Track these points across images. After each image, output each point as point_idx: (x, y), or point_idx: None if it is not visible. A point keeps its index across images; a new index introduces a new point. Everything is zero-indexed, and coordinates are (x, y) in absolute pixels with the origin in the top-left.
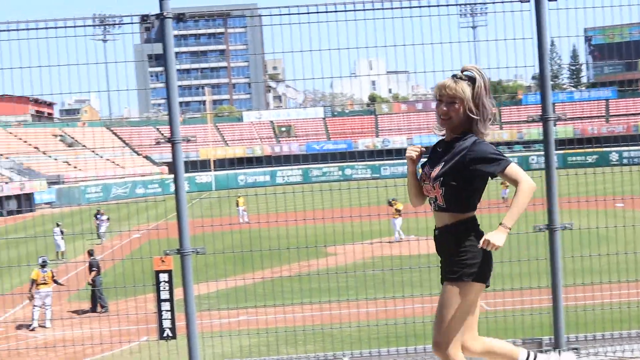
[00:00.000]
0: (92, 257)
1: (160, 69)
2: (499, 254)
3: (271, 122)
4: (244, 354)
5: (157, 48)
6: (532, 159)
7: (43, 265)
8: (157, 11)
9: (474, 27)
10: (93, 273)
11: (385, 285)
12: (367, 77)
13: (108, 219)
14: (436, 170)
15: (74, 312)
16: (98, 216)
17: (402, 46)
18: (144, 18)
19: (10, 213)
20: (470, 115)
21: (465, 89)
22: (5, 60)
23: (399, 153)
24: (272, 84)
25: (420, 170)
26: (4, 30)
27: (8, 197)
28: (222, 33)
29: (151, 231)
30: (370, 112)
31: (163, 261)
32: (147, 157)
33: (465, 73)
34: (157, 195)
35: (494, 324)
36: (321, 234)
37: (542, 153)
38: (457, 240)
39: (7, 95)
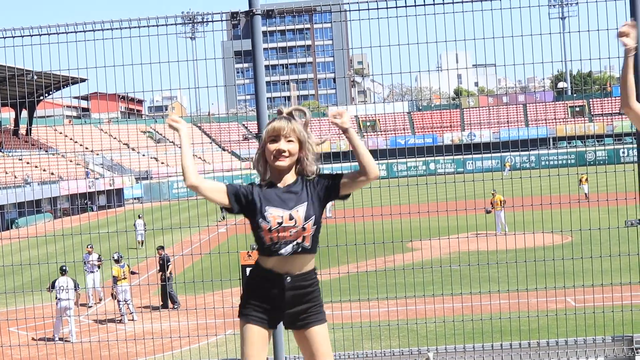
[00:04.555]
0: (163, 253)
1: (246, 65)
2: (587, 249)
3: (356, 116)
4: None
5: (244, 45)
6: (623, 152)
7: (118, 260)
8: (245, 8)
9: (562, 18)
10: (169, 269)
11: (468, 281)
12: (453, 71)
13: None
14: (301, 210)
15: (144, 307)
16: (86, 255)
17: (489, 39)
18: (234, 15)
19: (101, 208)
20: (305, 152)
21: (299, 127)
22: (96, 59)
23: (486, 147)
24: (357, 78)
25: (259, 219)
26: (94, 30)
27: (99, 193)
28: (307, 29)
29: (237, 226)
30: (456, 105)
31: (249, 255)
32: (232, 153)
33: (289, 113)
34: None
35: (582, 321)
36: (401, 229)
37: (634, 146)
38: (315, 282)
39: (99, 92)
